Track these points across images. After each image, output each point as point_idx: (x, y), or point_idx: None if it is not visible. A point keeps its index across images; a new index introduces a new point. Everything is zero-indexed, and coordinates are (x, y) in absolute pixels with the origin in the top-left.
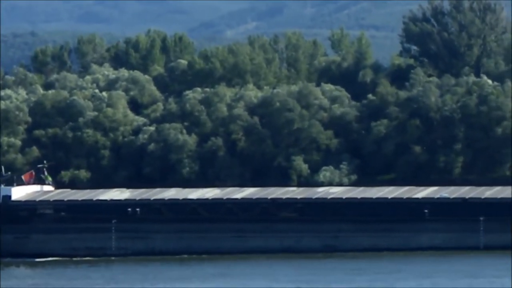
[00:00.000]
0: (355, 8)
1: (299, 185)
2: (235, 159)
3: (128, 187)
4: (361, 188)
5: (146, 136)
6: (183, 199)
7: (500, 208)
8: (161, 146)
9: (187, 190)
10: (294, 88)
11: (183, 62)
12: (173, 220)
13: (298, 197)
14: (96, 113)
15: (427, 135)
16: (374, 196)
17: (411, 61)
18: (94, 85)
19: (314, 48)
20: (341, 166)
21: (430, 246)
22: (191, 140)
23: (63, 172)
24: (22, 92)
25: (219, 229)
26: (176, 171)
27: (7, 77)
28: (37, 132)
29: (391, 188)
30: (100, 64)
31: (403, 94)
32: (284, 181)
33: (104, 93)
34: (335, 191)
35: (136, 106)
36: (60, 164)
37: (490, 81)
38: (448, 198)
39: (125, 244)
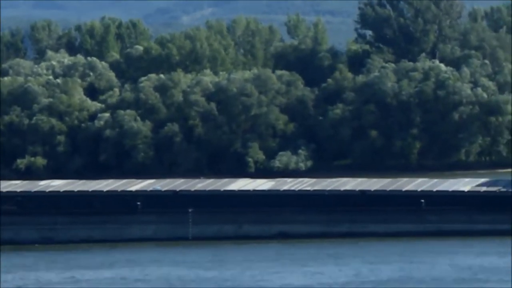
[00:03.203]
0: None
1: (256, 171)
2: (192, 145)
3: (84, 174)
4: (82, 181)
5: (102, 122)
6: None
7: (208, 200)
8: (116, 132)
9: None
10: (250, 74)
11: (140, 48)
12: None
13: (18, 190)
14: (51, 99)
15: (384, 120)
16: (90, 189)
17: (367, 46)
18: (50, 71)
19: (270, 33)
20: (299, 151)
21: (142, 237)
22: (145, 127)
23: (19, 160)
24: None
25: None
26: (131, 157)
27: None
28: None
29: (109, 181)
30: (56, 51)
31: (359, 79)
32: (241, 167)
33: (59, 80)
34: (55, 184)
35: (93, 92)
36: (16, 152)
37: (443, 66)
38: (160, 191)
39: None
